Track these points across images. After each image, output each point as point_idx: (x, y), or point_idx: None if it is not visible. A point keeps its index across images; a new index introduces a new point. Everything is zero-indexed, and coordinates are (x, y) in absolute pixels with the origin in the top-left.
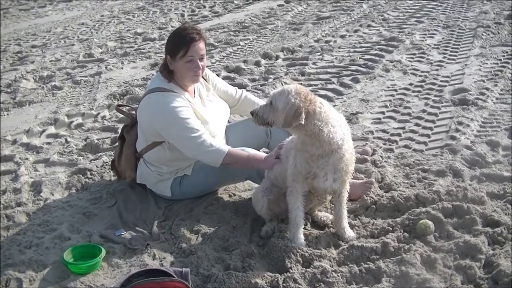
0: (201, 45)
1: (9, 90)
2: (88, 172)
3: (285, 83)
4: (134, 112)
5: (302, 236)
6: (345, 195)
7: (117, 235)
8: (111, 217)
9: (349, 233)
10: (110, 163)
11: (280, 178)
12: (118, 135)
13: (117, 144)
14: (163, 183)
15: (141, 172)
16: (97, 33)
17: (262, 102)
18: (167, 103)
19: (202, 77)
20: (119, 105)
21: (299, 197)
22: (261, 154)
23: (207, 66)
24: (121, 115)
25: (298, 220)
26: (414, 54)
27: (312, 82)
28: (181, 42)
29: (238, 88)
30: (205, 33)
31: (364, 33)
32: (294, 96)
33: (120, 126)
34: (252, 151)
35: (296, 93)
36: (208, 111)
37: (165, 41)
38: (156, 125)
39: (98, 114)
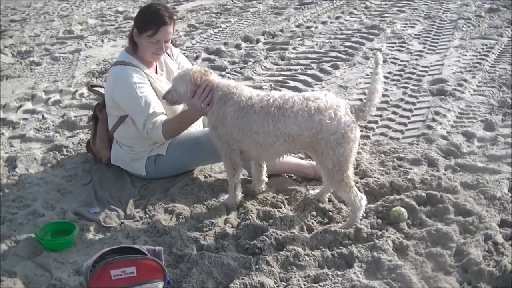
0: (170, 29)
1: None
2: (64, 149)
3: (265, 67)
4: None
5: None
6: None
7: (92, 213)
8: (86, 195)
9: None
10: (85, 144)
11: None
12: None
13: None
14: (137, 162)
15: (115, 153)
16: (77, 9)
17: None
18: (126, 76)
19: (167, 53)
20: (91, 85)
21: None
22: None
23: (187, 47)
24: None
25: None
26: (395, 43)
27: (291, 67)
28: (150, 22)
29: (218, 71)
30: (175, 14)
31: (345, 20)
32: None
33: None
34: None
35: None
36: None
37: None
38: (116, 97)
39: (76, 91)
